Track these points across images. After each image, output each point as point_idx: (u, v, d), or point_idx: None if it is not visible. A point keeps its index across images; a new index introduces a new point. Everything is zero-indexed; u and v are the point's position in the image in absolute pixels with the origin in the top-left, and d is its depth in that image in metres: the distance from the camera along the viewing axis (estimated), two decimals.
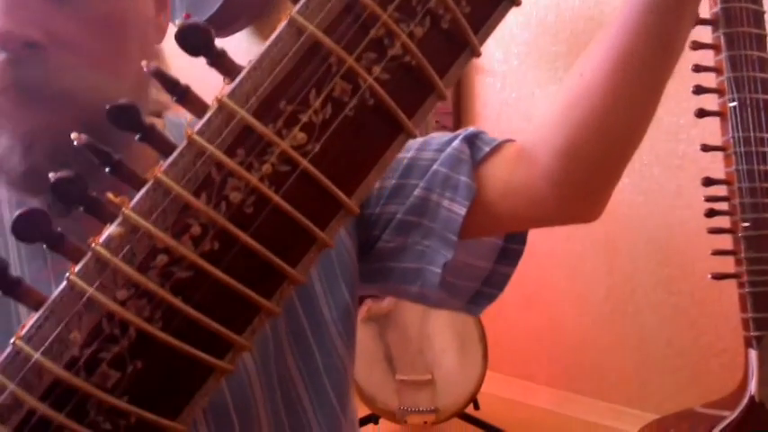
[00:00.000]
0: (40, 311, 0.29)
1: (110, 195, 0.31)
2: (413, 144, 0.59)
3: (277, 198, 0.32)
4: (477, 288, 0.61)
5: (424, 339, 1.97)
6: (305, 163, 0.32)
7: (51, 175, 0.29)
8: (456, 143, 0.57)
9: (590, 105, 0.48)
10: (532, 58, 2.55)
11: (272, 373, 0.52)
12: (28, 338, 0.29)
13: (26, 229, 0.29)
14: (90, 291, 0.29)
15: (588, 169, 0.51)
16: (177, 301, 0.30)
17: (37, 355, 0.29)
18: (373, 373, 1.94)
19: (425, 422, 1.97)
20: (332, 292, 0.57)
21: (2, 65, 0.43)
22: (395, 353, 1.96)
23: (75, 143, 0.29)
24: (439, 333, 1.99)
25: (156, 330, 0.30)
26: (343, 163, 0.34)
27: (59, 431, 0.29)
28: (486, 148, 0.57)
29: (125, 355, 0.31)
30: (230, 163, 0.31)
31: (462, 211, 0.53)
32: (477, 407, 2.12)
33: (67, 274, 0.29)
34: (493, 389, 2.19)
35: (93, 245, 0.29)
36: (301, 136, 0.32)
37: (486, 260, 0.61)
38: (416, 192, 0.56)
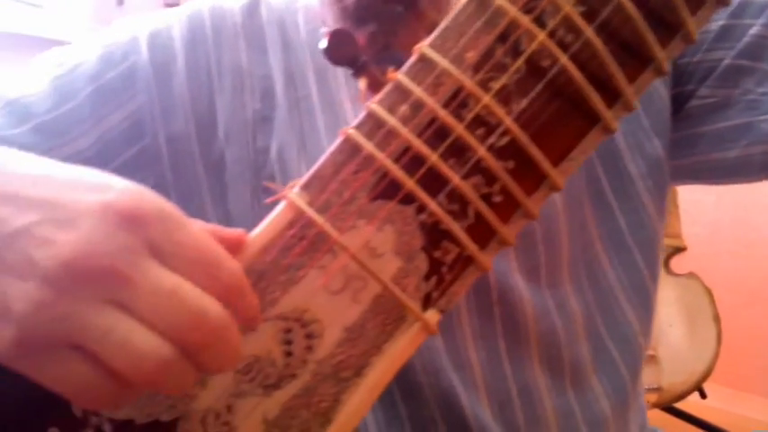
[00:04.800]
0: (444, 22, 0.29)
1: None
2: None
3: None
4: None
5: None
6: None
7: None
8: None
9: None
10: None
11: (574, 218, 0.50)
12: (433, 47, 0.29)
13: None
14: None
15: None
16: (580, 21, 0.29)
17: (444, 63, 0.29)
18: None
19: (647, 402, 1.83)
20: (639, 146, 0.52)
21: None
22: None
23: None
24: (664, 306, 1.82)
25: (557, 52, 0.29)
26: None
27: (455, 143, 0.29)
28: None
29: (511, 89, 0.30)
30: None
31: None
32: (703, 395, 1.92)
33: None
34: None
35: None
36: None
37: None
38: (752, 30, 0.48)
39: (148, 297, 0.24)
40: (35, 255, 0.23)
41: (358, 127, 0.29)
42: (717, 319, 1.84)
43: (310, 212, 0.29)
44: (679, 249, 1.91)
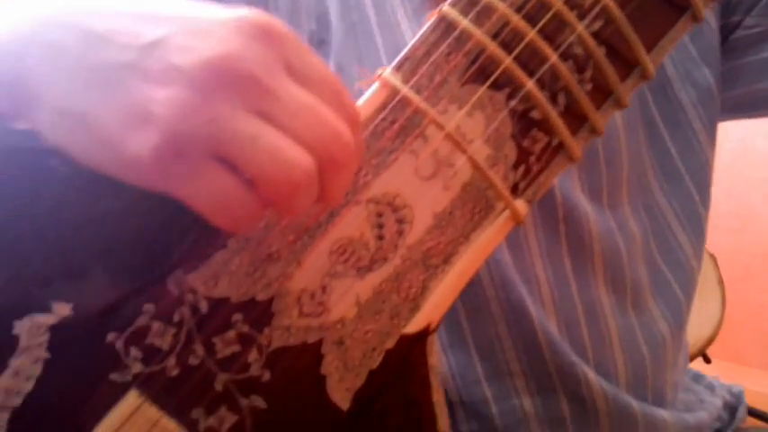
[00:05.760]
0: None
1: None
2: None
3: None
4: None
5: None
6: None
7: None
8: None
9: None
10: None
11: (632, 141, 0.50)
12: None
13: None
14: None
15: None
16: None
17: None
18: None
19: None
20: (688, 75, 0.52)
21: None
22: None
23: None
24: None
25: None
26: None
27: (549, 25, 0.29)
28: None
29: None
30: None
31: None
32: (707, 360, 1.95)
33: None
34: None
35: None
36: None
37: None
38: None
39: (290, 108, 0.23)
40: (176, 60, 0.23)
41: (453, 3, 0.29)
42: (721, 282, 1.86)
43: (405, 90, 0.29)
44: None
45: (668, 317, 0.50)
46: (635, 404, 0.46)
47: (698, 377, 0.65)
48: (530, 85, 0.29)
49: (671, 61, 0.53)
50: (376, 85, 0.29)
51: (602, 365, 0.47)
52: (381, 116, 0.29)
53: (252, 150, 0.22)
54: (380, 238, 0.30)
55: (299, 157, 0.23)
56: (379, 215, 0.30)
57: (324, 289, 0.29)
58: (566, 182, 0.46)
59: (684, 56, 0.52)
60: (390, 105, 0.29)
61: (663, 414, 0.49)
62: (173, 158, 0.22)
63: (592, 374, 0.45)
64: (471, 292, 0.44)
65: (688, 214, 0.52)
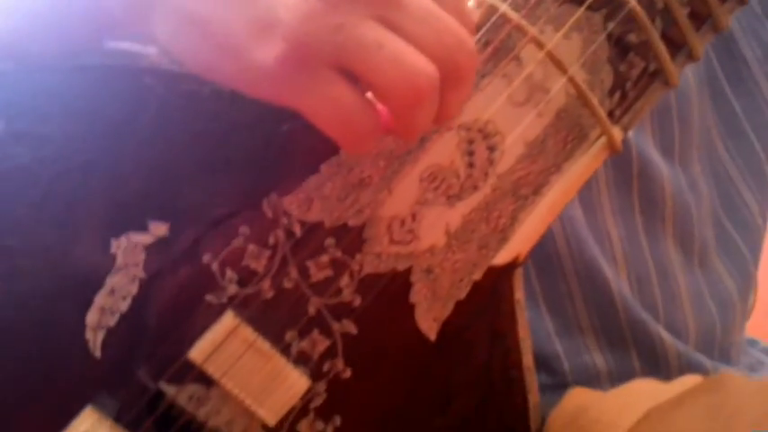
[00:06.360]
0: None
1: None
2: None
3: None
4: None
5: None
6: None
7: None
8: None
9: None
10: None
11: (702, 98, 0.48)
12: None
13: None
14: None
15: None
16: None
17: None
18: None
19: None
20: (753, 31, 0.50)
21: None
22: None
23: None
24: None
25: None
26: None
27: None
28: None
29: None
30: None
31: None
32: None
33: None
34: None
35: None
36: None
37: None
38: None
39: (414, 16, 0.22)
40: None
41: None
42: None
43: (504, 7, 0.28)
44: None
45: (735, 275, 0.49)
46: (707, 362, 0.45)
47: (752, 342, 0.64)
48: (633, 2, 0.28)
49: (735, 18, 0.51)
50: (471, 4, 0.28)
51: (673, 323, 0.45)
52: (476, 37, 0.28)
53: (376, 58, 0.21)
54: (471, 165, 0.29)
55: (423, 65, 0.22)
56: (470, 142, 0.29)
57: (414, 217, 0.29)
58: (640, 137, 0.44)
59: (749, 12, 0.51)
60: (487, 25, 0.28)
61: (733, 372, 0.48)
62: (296, 68, 0.21)
63: (664, 332, 0.44)
64: (542, 248, 0.43)
65: (753, 172, 0.50)
